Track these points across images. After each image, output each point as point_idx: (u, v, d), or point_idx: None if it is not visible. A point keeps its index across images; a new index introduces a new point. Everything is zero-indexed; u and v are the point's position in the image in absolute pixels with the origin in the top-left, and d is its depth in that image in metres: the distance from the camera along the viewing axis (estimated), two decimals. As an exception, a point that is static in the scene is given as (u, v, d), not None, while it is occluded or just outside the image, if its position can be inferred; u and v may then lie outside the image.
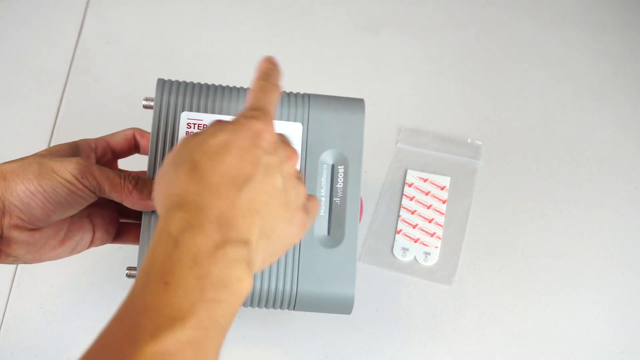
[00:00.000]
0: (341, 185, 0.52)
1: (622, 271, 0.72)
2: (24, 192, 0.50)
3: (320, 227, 0.54)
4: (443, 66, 0.89)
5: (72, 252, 0.57)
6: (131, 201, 0.54)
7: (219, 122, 0.45)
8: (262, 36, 0.92)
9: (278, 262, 0.54)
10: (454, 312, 0.70)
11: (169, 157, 0.44)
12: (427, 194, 0.77)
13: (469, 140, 0.81)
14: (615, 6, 0.94)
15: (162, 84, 0.57)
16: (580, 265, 0.73)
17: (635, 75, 0.88)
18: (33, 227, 0.52)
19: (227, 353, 0.69)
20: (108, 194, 0.53)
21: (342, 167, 0.54)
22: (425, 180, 0.78)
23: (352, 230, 0.53)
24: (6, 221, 0.51)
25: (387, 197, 0.77)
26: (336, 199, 0.53)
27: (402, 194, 0.77)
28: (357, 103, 0.55)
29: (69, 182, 0.51)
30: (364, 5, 0.95)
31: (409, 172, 0.78)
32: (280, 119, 0.56)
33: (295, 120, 0.55)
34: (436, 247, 0.73)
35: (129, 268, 0.56)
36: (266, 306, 0.55)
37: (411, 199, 0.76)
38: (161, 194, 0.43)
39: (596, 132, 0.83)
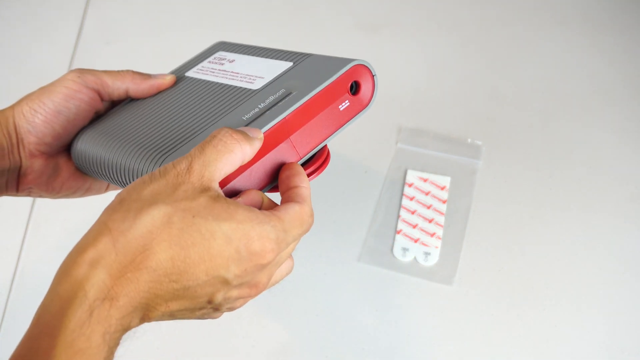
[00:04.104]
0: (280, 105, 0.50)
1: (622, 271, 0.72)
2: (28, 111, 0.52)
3: (238, 123, 0.50)
4: (443, 66, 0.89)
5: (88, 190, 0.58)
6: (135, 83, 0.55)
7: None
8: (263, 36, 0.92)
9: None
10: (454, 312, 0.70)
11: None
12: (427, 194, 0.77)
13: (469, 140, 0.81)
14: (615, 6, 0.94)
15: (221, 43, 0.62)
16: (580, 265, 0.73)
17: (636, 75, 0.88)
18: (44, 150, 0.53)
19: (228, 353, 0.69)
20: (111, 85, 0.54)
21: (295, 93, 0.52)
22: (425, 180, 0.78)
23: (256, 133, 0.47)
24: (22, 149, 0.52)
25: (387, 197, 0.77)
26: (269, 112, 0.50)
27: (402, 194, 0.77)
28: (346, 60, 0.53)
29: (67, 87, 0.53)
30: (364, 5, 0.95)
31: (409, 172, 0.78)
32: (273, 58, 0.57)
33: (287, 61, 0.56)
34: (436, 247, 0.73)
35: None
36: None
37: (411, 199, 0.76)
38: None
39: (596, 132, 0.83)
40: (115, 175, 0.51)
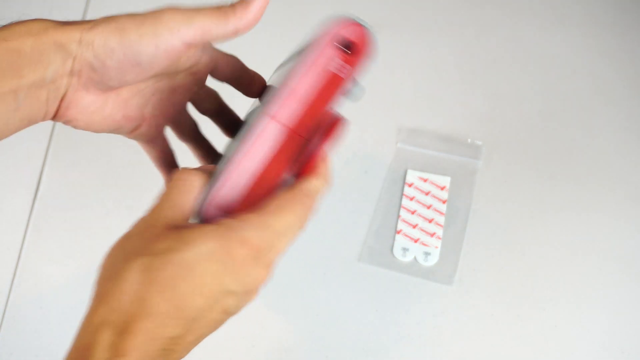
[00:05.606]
0: (263, 102, 0.46)
1: (622, 271, 0.72)
2: (102, 47, 0.43)
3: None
4: (443, 66, 0.89)
5: (128, 132, 0.50)
6: (242, 16, 0.47)
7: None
8: (262, 37, 0.92)
9: None
10: (454, 312, 0.70)
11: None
12: (427, 194, 0.77)
13: (469, 140, 0.81)
14: (615, 6, 0.94)
15: None
16: (580, 265, 0.73)
17: (636, 75, 0.88)
18: (100, 88, 0.45)
19: (228, 352, 0.69)
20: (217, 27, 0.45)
21: None
22: (425, 180, 0.78)
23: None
24: (74, 81, 0.44)
25: (387, 197, 0.77)
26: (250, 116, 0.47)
27: (402, 194, 0.77)
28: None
29: (169, 50, 0.43)
30: (364, 5, 0.95)
31: (409, 172, 0.78)
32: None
33: None
34: (436, 247, 0.73)
35: None
36: None
37: (411, 199, 0.76)
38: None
39: (597, 132, 0.83)
40: None
